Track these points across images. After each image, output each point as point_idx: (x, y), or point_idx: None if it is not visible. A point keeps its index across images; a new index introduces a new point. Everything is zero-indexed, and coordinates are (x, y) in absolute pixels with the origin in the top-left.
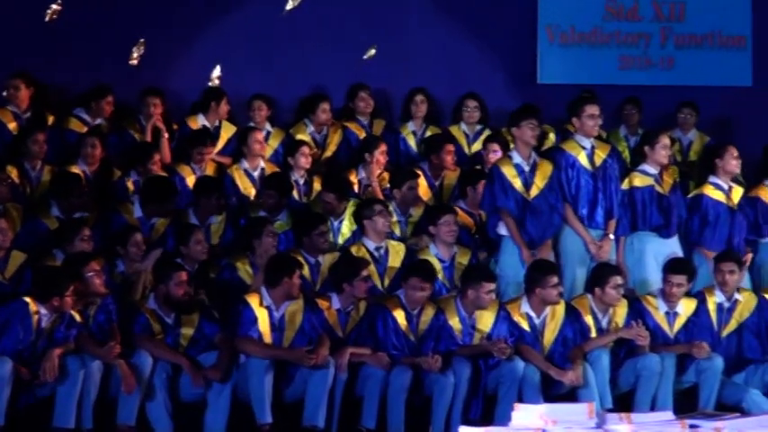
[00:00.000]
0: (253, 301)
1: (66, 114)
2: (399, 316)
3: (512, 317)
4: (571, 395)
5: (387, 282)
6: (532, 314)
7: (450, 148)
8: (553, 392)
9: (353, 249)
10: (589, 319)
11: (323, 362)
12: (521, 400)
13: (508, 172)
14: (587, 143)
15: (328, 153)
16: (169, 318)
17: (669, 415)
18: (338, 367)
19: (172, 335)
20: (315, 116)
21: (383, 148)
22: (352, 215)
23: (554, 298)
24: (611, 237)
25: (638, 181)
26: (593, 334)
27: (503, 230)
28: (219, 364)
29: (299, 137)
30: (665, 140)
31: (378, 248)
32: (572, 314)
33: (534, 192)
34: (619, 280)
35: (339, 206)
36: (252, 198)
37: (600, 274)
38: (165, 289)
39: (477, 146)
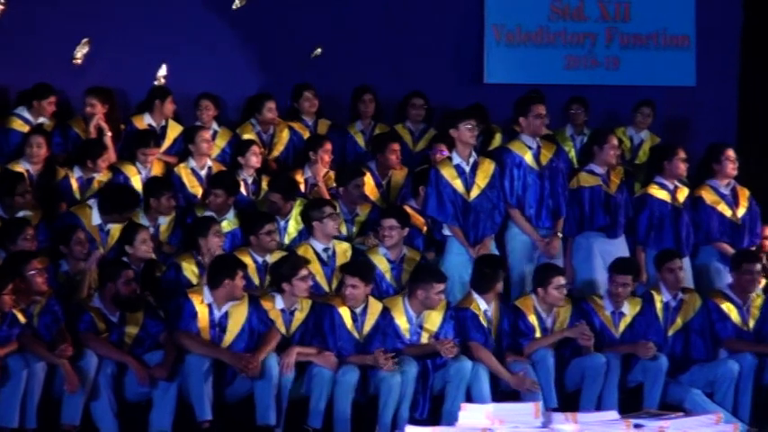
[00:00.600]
0: (194, 297)
1: (7, 114)
2: (345, 314)
3: (473, 314)
4: (517, 395)
5: (335, 283)
6: (486, 308)
7: (395, 146)
8: (503, 388)
9: (300, 250)
10: (533, 319)
11: (255, 372)
12: (468, 400)
13: (448, 173)
14: (533, 143)
15: (275, 153)
16: (114, 316)
17: (614, 414)
18: (285, 367)
19: (116, 333)
20: (261, 115)
21: (328, 146)
22: (300, 214)
23: (497, 291)
24: (560, 235)
25: (586, 180)
26: (538, 334)
27: (447, 231)
28: (165, 363)
29: (246, 136)
30: (614, 141)
31: (325, 250)
32: (516, 314)
33: (475, 192)
34: (561, 280)
35: (285, 206)
36: (199, 197)
37: (543, 275)
38: (113, 288)
39: (422, 144)
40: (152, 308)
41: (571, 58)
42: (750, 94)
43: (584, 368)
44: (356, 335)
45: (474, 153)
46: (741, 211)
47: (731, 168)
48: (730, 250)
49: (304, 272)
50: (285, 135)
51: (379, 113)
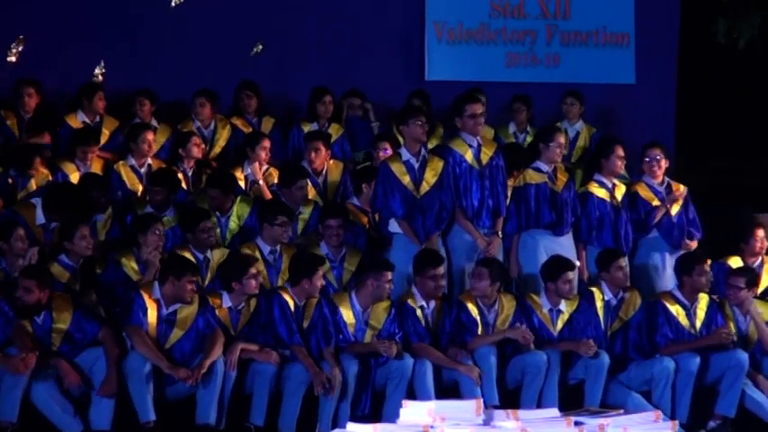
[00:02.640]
0: (145, 292)
1: None
2: (291, 302)
3: (412, 310)
4: (458, 392)
5: (279, 285)
6: (425, 305)
7: (318, 145)
8: (445, 385)
9: (247, 249)
10: (476, 314)
11: (195, 381)
12: (412, 396)
13: (397, 169)
14: (474, 141)
15: (217, 149)
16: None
17: (555, 412)
18: (228, 364)
19: (40, 331)
20: (196, 112)
21: (265, 144)
22: (254, 210)
23: (433, 290)
24: (499, 234)
25: (532, 178)
26: (480, 328)
27: (394, 228)
28: (110, 377)
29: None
30: (561, 138)
31: (272, 252)
32: (459, 309)
33: (424, 188)
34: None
35: (225, 201)
36: (139, 194)
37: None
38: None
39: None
40: (85, 305)
41: (512, 56)
42: (688, 91)
43: (525, 365)
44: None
45: (423, 150)
46: (675, 209)
47: (658, 167)
48: (692, 246)
49: (254, 270)
50: (226, 132)
51: (334, 113)
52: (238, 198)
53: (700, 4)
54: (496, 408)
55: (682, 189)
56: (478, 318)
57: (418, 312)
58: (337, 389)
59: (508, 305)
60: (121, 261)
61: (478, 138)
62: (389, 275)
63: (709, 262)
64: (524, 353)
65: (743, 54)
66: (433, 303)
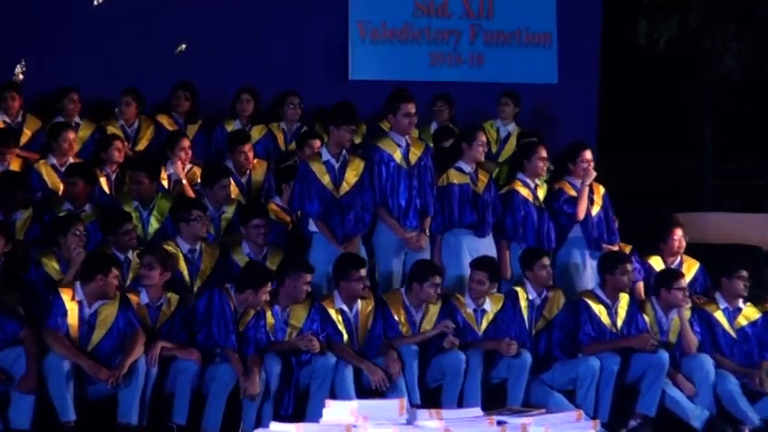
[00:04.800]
0: (65, 293)
1: None
2: (232, 304)
3: (327, 313)
4: (382, 392)
5: (198, 283)
6: (345, 309)
7: (244, 148)
8: (366, 386)
9: (168, 247)
10: (401, 315)
11: (116, 381)
12: (333, 397)
13: (317, 169)
14: (402, 141)
15: (140, 147)
16: None
17: (477, 411)
18: (149, 360)
19: None
20: (121, 110)
21: (185, 144)
22: (169, 212)
23: (359, 292)
24: (427, 233)
25: (455, 178)
26: (404, 329)
27: (313, 227)
28: (29, 374)
29: (111, 129)
30: (483, 138)
31: (191, 251)
32: (382, 309)
33: (344, 189)
34: (437, 279)
35: (150, 189)
36: (60, 194)
37: (421, 272)
38: None
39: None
40: (8, 305)
41: (436, 55)
42: (610, 91)
43: (443, 365)
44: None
45: (345, 151)
46: (595, 209)
47: (591, 171)
48: (614, 248)
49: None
50: (149, 132)
51: (257, 113)
52: (159, 194)
53: (621, 5)
54: (419, 407)
55: (602, 191)
56: (404, 319)
57: (334, 316)
58: (260, 391)
59: (434, 306)
60: (42, 261)
61: (407, 137)
62: (308, 278)
63: (632, 261)
64: (446, 352)
65: (663, 55)
66: (357, 305)
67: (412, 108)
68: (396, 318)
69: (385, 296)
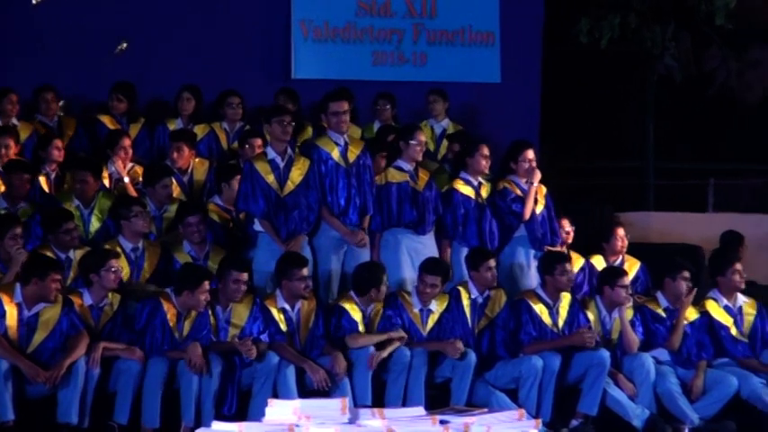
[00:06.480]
0: (3, 295)
1: None
2: (172, 311)
3: (269, 312)
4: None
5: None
6: (288, 308)
7: (180, 144)
8: (308, 387)
9: (109, 246)
10: (357, 316)
11: (53, 382)
12: (276, 396)
13: (262, 168)
14: (341, 140)
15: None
16: None
17: (421, 410)
18: (91, 362)
19: None
20: (42, 107)
21: (126, 143)
22: (109, 211)
23: (301, 291)
24: (366, 231)
25: (393, 176)
26: (361, 329)
27: (258, 227)
28: None
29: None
30: (421, 136)
31: (134, 249)
32: (340, 314)
33: (289, 188)
34: (385, 278)
35: (92, 188)
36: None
37: (374, 275)
38: None
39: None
40: None
41: (379, 54)
42: (552, 90)
43: (389, 364)
44: (176, 334)
45: (290, 149)
46: (539, 209)
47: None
48: (555, 249)
49: (113, 263)
50: (71, 129)
51: (200, 112)
52: (100, 193)
53: (563, 4)
54: (363, 406)
55: (544, 190)
56: (360, 319)
57: (276, 315)
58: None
59: (380, 306)
60: None
61: (345, 136)
62: (242, 276)
63: (570, 261)
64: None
65: (605, 55)
66: (299, 304)
67: (340, 107)
68: (354, 319)
69: (341, 302)
